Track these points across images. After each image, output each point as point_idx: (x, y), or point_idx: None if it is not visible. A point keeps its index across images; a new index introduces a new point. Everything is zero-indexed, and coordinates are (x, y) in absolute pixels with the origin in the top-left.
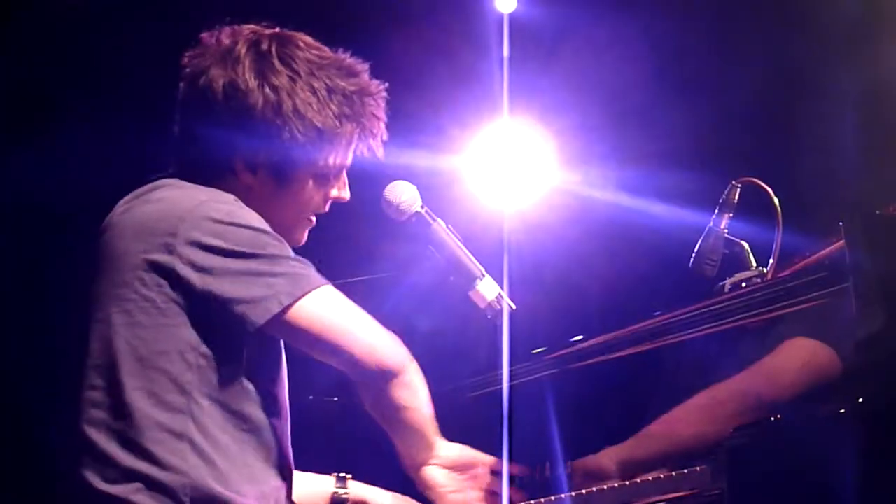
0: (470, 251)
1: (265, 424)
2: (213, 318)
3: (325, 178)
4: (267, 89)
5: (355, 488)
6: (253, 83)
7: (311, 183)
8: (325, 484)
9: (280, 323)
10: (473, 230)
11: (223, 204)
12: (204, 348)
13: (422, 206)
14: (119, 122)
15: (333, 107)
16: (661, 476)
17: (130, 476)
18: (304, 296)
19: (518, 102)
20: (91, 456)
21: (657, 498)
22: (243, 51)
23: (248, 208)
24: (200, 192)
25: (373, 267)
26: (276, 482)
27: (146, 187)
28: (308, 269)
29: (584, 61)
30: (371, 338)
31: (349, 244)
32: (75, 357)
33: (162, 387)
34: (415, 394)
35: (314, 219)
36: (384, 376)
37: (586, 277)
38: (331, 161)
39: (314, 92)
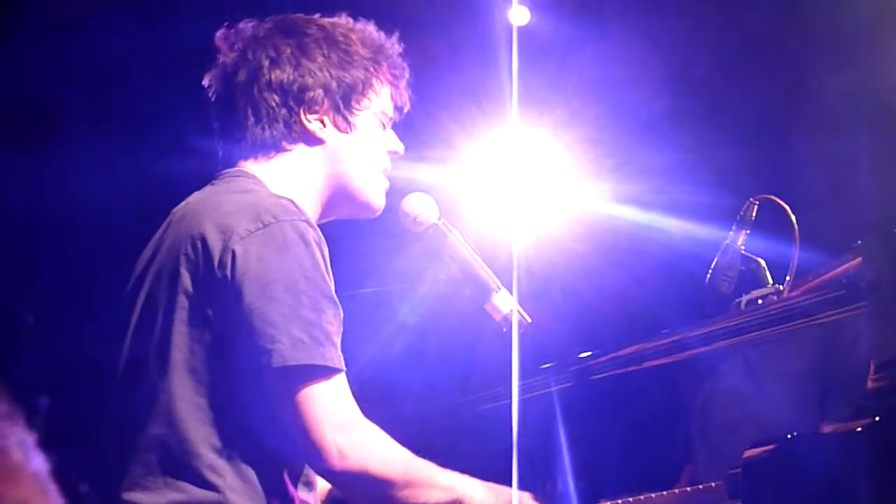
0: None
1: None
2: (243, 345)
3: (381, 122)
4: (308, 43)
5: None
6: (292, 44)
7: (372, 127)
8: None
9: (267, 381)
10: (483, 244)
11: (286, 227)
12: (242, 367)
13: (439, 218)
14: (124, 133)
15: (365, 48)
16: (677, 492)
17: (167, 487)
18: (293, 366)
19: (528, 115)
20: (132, 465)
21: None
22: (271, 26)
23: (313, 235)
24: (273, 200)
25: (388, 278)
26: (305, 495)
27: (230, 178)
28: (317, 342)
29: (595, 75)
30: (335, 436)
31: (365, 255)
32: (123, 361)
33: (210, 401)
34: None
35: (387, 182)
36: (346, 480)
37: (598, 292)
38: (380, 100)
39: (346, 39)
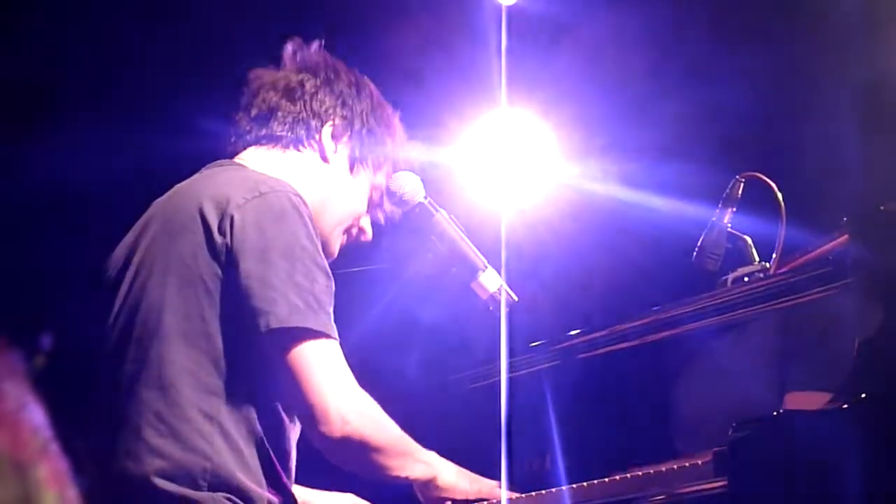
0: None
1: (281, 418)
2: (239, 309)
3: (368, 198)
4: (364, 89)
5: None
6: (352, 80)
7: (364, 191)
8: None
9: (264, 343)
10: (472, 223)
11: (282, 197)
12: (236, 333)
13: (425, 197)
14: (126, 116)
15: (399, 137)
16: (664, 469)
17: (154, 453)
18: (288, 328)
19: (517, 95)
20: (121, 430)
21: (659, 491)
22: (339, 61)
23: (305, 210)
24: (267, 176)
25: (375, 257)
26: (288, 477)
27: (219, 165)
28: (312, 308)
29: (584, 53)
30: (338, 401)
31: None
32: (114, 330)
33: (201, 367)
34: (387, 458)
35: (345, 240)
36: (343, 446)
37: (585, 271)
38: (381, 179)
39: (392, 118)
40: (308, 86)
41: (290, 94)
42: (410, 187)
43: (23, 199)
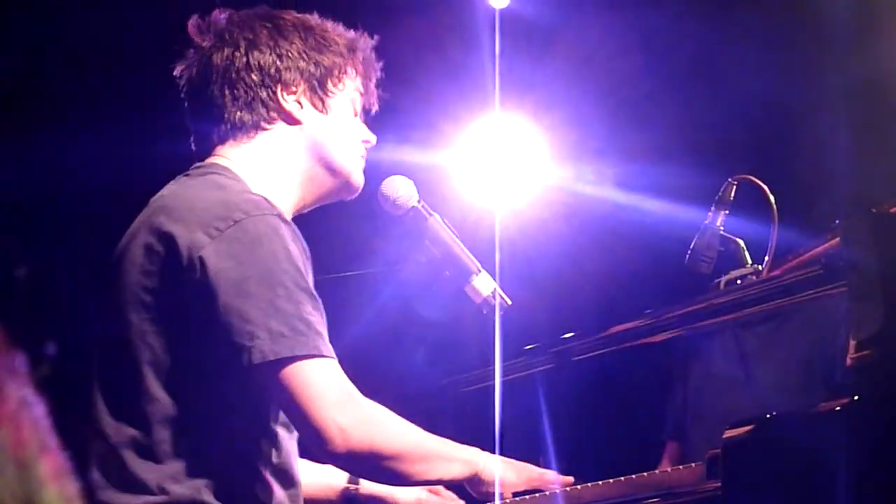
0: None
1: (272, 434)
2: (221, 344)
3: (354, 108)
4: (284, 26)
5: (367, 483)
6: (269, 27)
7: (347, 112)
8: (337, 477)
9: (253, 378)
10: (465, 226)
11: (258, 222)
12: (218, 359)
13: (418, 201)
14: (111, 116)
15: (339, 38)
16: (657, 472)
17: (141, 488)
18: (272, 361)
19: (510, 97)
20: (105, 465)
21: (653, 494)
22: (246, 13)
23: (287, 230)
24: (245, 197)
25: (368, 262)
26: (281, 493)
27: (201, 172)
28: (299, 332)
29: (577, 56)
30: (336, 417)
31: (345, 239)
32: (95, 363)
33: (185, 399)
34: (406, 464)
35: (363, 163)
36: (352, 461)
37: (579, 273)
38: (354, 85)
39: (321, 27)
40: (237, 60)
41: (225, 79)
42: (403, 191)
43: (19, 199)
